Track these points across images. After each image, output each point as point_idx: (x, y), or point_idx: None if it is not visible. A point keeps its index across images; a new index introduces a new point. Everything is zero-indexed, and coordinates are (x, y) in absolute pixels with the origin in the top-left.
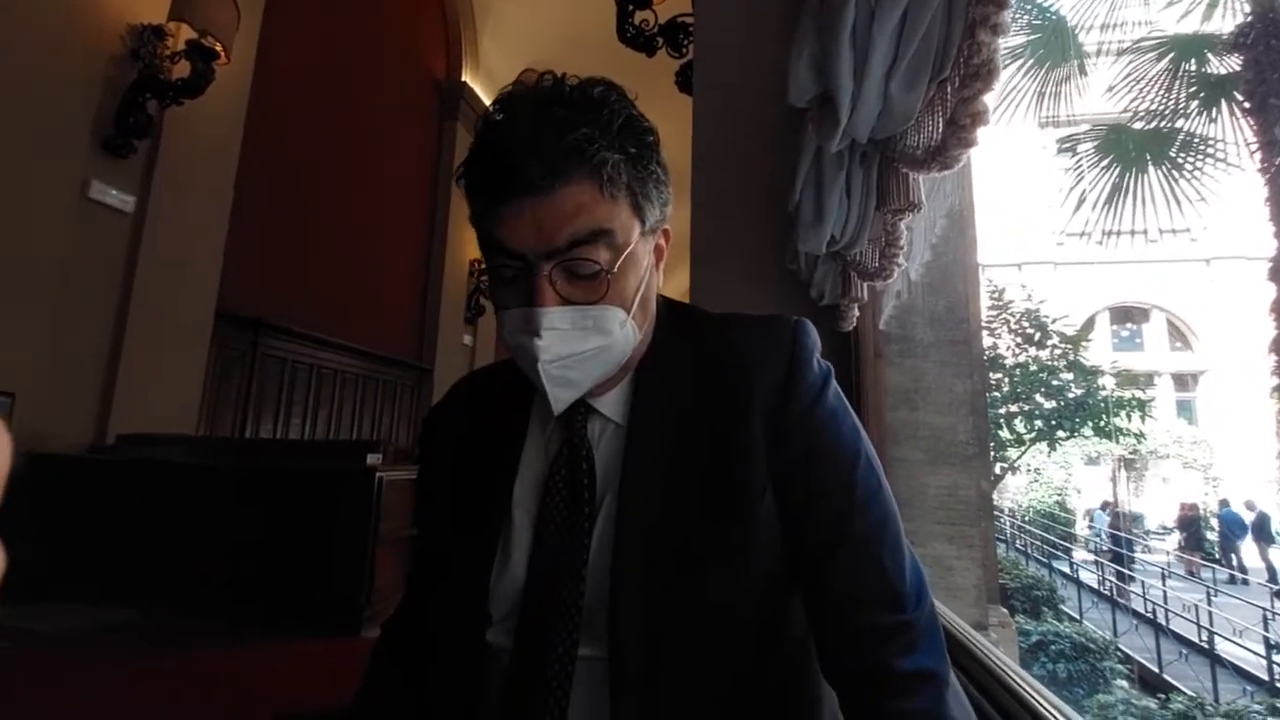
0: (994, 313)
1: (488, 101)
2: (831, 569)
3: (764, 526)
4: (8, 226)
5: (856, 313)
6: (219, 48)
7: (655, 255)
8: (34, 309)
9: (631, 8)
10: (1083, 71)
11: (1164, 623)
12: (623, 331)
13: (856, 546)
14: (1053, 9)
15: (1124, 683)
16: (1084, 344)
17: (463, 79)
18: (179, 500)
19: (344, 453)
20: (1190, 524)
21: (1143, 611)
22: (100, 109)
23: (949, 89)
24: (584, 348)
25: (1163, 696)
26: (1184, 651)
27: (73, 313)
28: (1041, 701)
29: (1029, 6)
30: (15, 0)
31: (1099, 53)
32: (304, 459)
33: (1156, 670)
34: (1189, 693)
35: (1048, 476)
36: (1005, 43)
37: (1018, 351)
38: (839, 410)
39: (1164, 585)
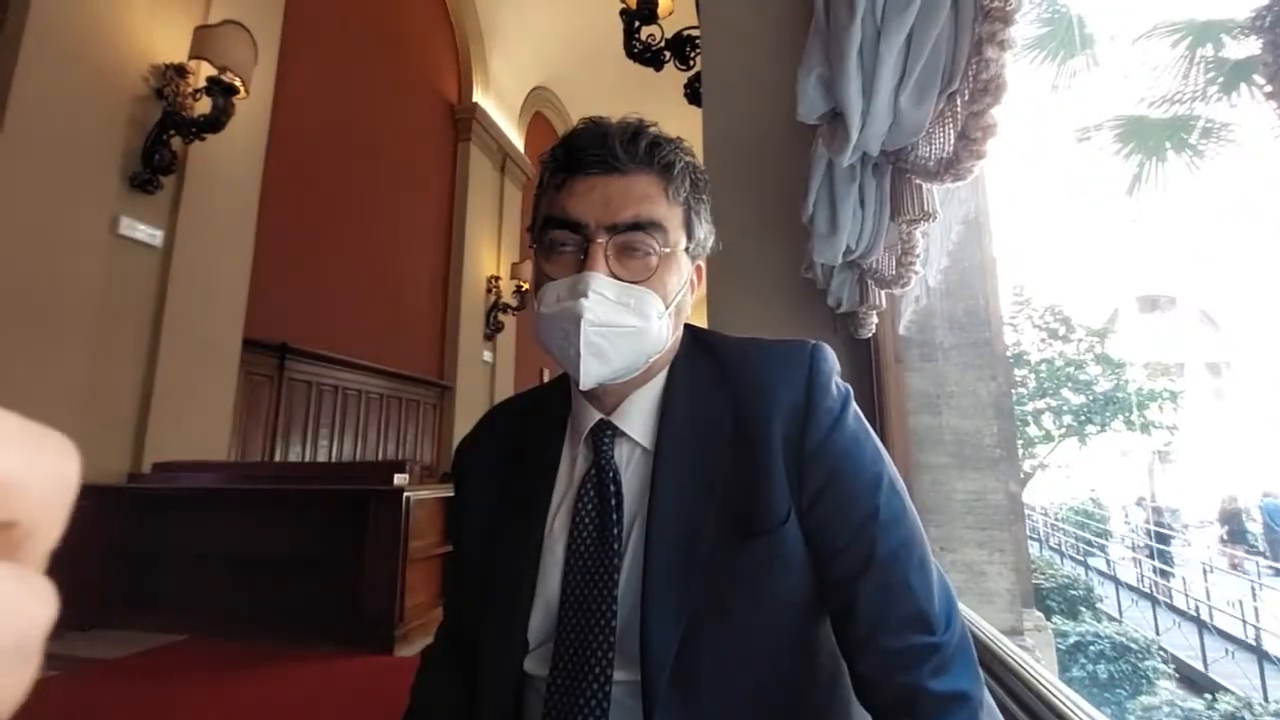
0: (1016, 308)
1: (500, 122)
2: (859, 593)
3: (789, 550)
4: (42, 265)
5: (875, 319)
6: (239, 83)
7: (690, 276)
8: (69, 344)
9: (638, 23)
10: (1095, 62)
11: (1207, 619)
12: (658, 323)
13: (883, 570)
14: (1062, 4)
15: (1168, 683)
16: (1110, 336)
17: (474, 100)
18: (215, 525)
19: (372, 473)
20: (1232, 516)
21: (1184, 608)
22: (127, 147)
23: (958, 101)
24: (622, 321)
25: (1209, 696)
26: (1229, 648)
27: (106, 346)
28: (1076, 710)
29: (1040, 1)
30: (46, 46)
31: (1113, 39)
32: (333, 480)
33: (1202, 669)
34: (1236, 691)
35: (1079, 472)
36: (1020, 34)
37: (1042, 346)
38: (859, 434)
39: (1206, 580)
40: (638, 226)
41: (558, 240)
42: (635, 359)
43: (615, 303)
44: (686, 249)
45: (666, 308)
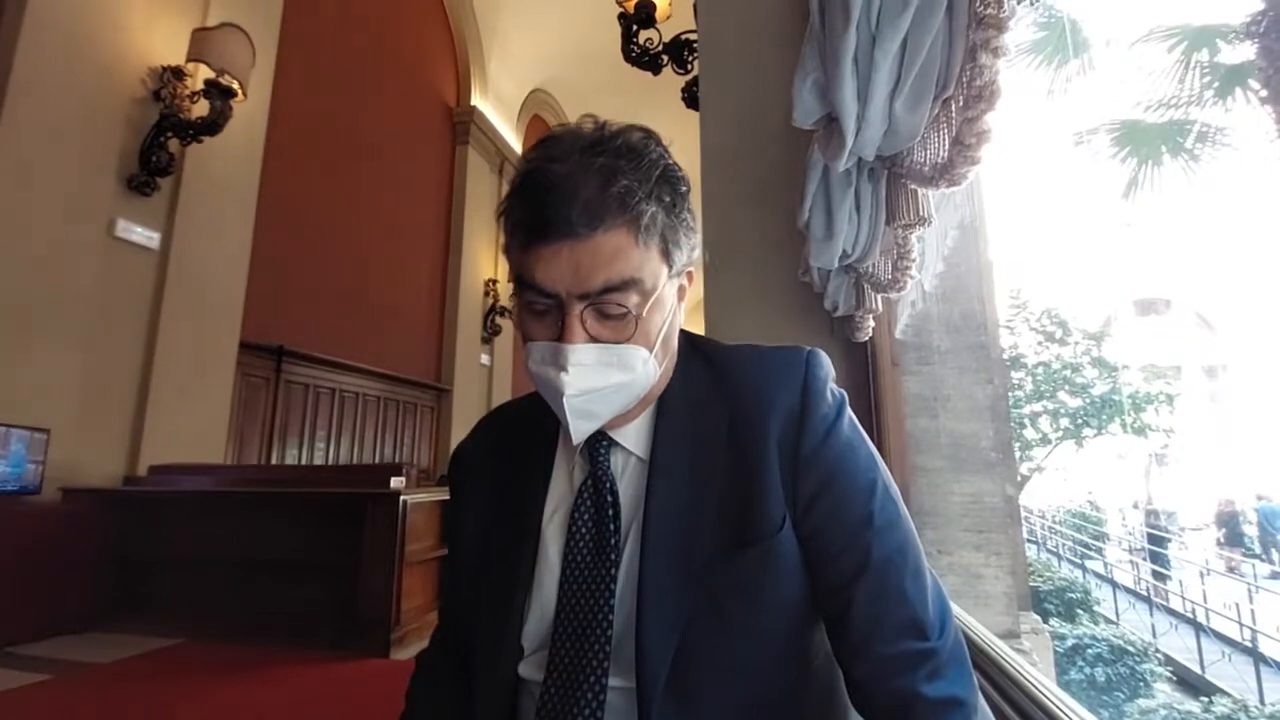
0: (1013, 311)
1: (497, 125)
2: (853, 598)
3: (785, 557)
4: (40, 267)
5: (872, 323)
6: (236, 85)
7: (678, 295)
8: (66, 346)
9: (636, 27)
10: (1091, 66)
11: (1204, 622)
12: (644, 369)
13: (877, 575)
14: (1057, 9)
15: (1165, 685)
16: (1106, 339)
17: (472, 104)
18: (210, 528)
19: (368, 477)
20: (1229, 519)
21: (1181, 611)
22: (124, 149)
23: (953, 107)
24: (607, 383)
25: (1206, 699)
26: (1226, 651)
27: (103, 348)
28: (1071, 714)
29: (1034, 4)
30: (43, 48)
31: (1109, 43)
32: (330, 484)
33: (1199, 671)
34: (1233, 694)
35: (1076, 475)
36: (1014, 40)
37: (1039, 349)
38: (854, 439)
39: (1203, 583)
40: (610, 289)
41: (533, 301)
42: (626, 405)
43: (597, 365)
44: (670, 274)
45: (651, 352)
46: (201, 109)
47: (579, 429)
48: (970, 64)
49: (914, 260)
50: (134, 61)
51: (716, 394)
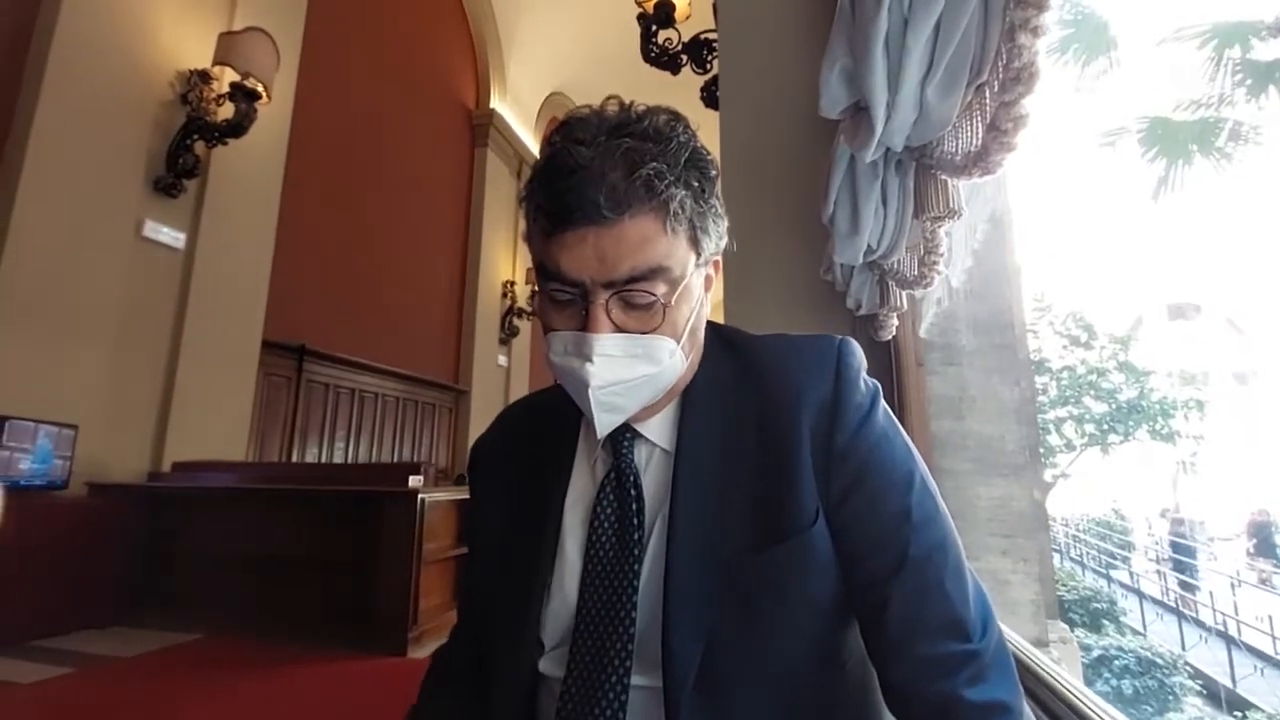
0: (1037, 314)
1: (516, 127)
2: (890, 596)
3: (817, 552)
4: (70, 268)
5: (896, 322)
6: (261, 88)
7: (705, 284)
8: (94, 344)
9: (655, 27)
10: (1118, 64)
11: (1235, 635)
12: (671, 360)
13: (916, 573)
14: (1086, 4)
15: (1195, 699)
16: (1133, 343)
17: (491, 106)
18: (232, 525)
19: (387, 475)
20: (1260, 529)
21: (1211, 623)
22: (152, 152)
23: (987, 93)
24: (633, 375)
25: (1238, 714)
26: (1259, 665)
27: (130, 347)
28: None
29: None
30: (76, 55)
31: (1137, 41)
32: (349, 482)
33: (1230, 685)
34: (1266, 709)
35: (1101, 483)
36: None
37: (1063, 354)
38: (889, 431)
39: (1234, 594)
40: (637, 277)
41: (556, 290)
42: (653, 397)
43: (623, 357)
44: (698, 263)
45: (678, 343)
46: (227, 112)
47: (604, 422)
48: (1008, 44)
49: (941, 255)
50: (162, 65)
51: (745, 385)
